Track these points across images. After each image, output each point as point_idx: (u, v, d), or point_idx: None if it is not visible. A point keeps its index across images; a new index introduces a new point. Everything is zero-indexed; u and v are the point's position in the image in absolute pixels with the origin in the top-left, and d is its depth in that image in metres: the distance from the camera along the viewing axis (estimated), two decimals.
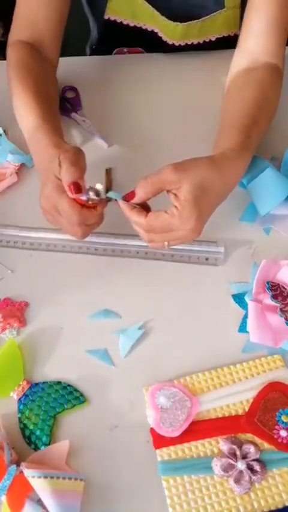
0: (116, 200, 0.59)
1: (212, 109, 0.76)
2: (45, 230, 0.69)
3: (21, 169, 0.76)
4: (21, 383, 0.58)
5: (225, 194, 0.60)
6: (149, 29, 0.85)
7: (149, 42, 0.87)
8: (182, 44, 0.86)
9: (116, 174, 0.76)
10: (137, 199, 0.57)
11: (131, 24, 0.85)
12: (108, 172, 0.76)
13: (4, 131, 0.79)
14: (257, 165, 0.69)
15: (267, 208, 0.68)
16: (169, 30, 0.84)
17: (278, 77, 0.74)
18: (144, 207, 0.58)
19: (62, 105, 0.82)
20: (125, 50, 0.91)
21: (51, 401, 0.57)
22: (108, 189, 0.74)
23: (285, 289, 0.63)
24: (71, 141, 0.80)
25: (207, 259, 0.68)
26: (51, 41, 0.76)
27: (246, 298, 0.63)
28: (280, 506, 0.51)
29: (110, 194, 0.59)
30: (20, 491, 0.49)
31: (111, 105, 0.84)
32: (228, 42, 0.84)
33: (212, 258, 0.67)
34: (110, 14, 0.84)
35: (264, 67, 0.73)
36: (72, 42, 0.78)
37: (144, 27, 0.85)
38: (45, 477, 0.49)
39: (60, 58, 0.80)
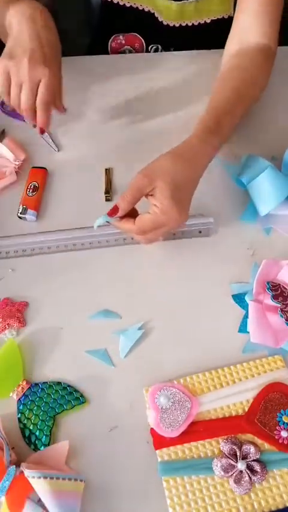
0: (108, 223, 0.61)
1: None
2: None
3: (22, 168, 0.76)
4: (20, 383, 0.58)
5: (198, 178, 0.63)
6: (146, 9, 0.85)
7: (144, 25, 0.88)
8: (177, 25, 0.86)
9: (115, 174, 0.76)
10: (121, 211, 0.60)
11: (128, 5, 0.85)
12: (108, 172, 0.75)
13: (3, 131, 0.79)
14: (257, 165, 0.69)
15: (267, 208, 0.68)
16: (164, 10, 0.84)
17: (268, 57, 0.75)
18: (134, 215, 0.61)
19: None
20: (121, 36, 0.91)
21: (51, 402, 0.57)
22: (107, 189, 0.74)
23: (286, 289, 0.62)
24: (70, 142, 0.80)
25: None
26: None
27: (247, 298, 0.63)
28: (281, 506, 0.51)
29: (98, 223, 0.61)
30: (20, 491, 0.49)
31: (111, 104, 0.84)
32: (223, 25, 0.84)
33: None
34: None
35: (255, 48, 0.74)
36: (71, 40, 0.76)
37: (140, 8, 0.85)
38: (45, 477, 0.49)
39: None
